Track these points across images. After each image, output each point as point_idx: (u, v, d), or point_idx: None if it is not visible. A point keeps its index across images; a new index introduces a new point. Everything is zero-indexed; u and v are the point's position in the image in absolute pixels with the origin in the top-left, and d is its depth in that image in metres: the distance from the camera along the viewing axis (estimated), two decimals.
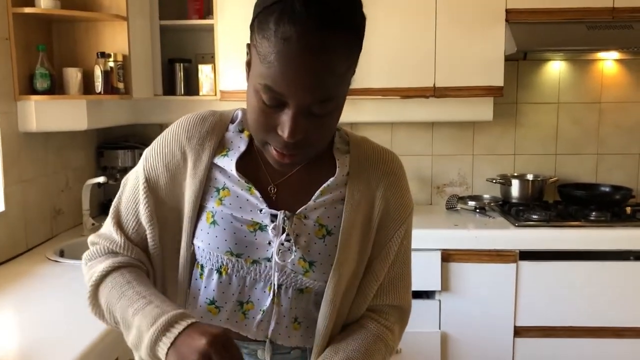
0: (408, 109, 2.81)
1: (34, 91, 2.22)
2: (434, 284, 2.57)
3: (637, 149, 3.08)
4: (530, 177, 3.07)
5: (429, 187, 3.17)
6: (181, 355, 0.83)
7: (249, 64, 0.92)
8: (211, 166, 1.02)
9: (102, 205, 2.87)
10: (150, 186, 1.03)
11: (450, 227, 2.66)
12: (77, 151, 2.69)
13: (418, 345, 2.60)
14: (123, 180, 1.10)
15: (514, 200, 2.96)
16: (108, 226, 1.06)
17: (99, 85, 2.33)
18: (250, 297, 1.01)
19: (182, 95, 2.85)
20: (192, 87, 2.88)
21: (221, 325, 1.00)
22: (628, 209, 2.78)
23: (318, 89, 0.85)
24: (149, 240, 1.03)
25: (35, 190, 2.33)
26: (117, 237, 1.03)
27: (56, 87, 2.27)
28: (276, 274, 0.98)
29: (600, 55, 2.97)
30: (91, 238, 1.08)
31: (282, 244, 0.98)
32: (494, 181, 3.02)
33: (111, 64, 2.38)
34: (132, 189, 1.05)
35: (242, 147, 1.02)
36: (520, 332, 2.62)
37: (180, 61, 2.87)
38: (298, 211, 1.00)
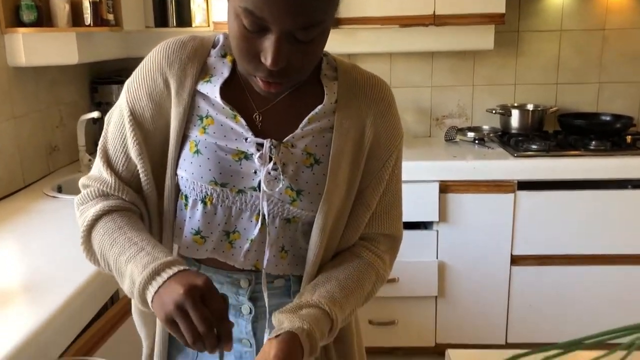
0: (407, 39, 2.74)
1: (21, 23, 2.15)
2: (432, 215, 2.59)
3: None
4: (530, 107, 3.03)
5: (427, 119, 3.14)
6: (161, 303, 0.83)
7: None
8: (194, 93, 0.99)
9: (97, 141, 2.83)
10: (136, 118, 1.00)
11: (449, 159, 2.65)
12: (69, 86, 2.64)
13: (415, 274, 2.64)
14: (106, 117, 1.06)
15: (513, 131, 2.93)
16: (97, 166, 1.03)
17: (87, 16, 2.26)
18: (236, 227, 1.00)
19: (174, 27, 2.78)
20: (184, 19, 2.80)
21: (207, 254, 1.01)
22: (628, 138, 2.75)
23: (301, 14, 0.81)
24: (141, 176, 1.01)
25: (29, 126, 2.31)
26: (107, 176, 1.01)
27: (44, 19, 2.21)
28: (264, 203, 0.97)
29: None
30: (82, 181, 1.05)
31: (269, 173, 0.97)
32: (494, 112, 2.98)
33: None
34: (117, 124, 1.03)
35: (226, 73, 0.99)
36: (516, 260, 2.66)
37: None
38: (285, 139, 0.98)
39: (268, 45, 0.84)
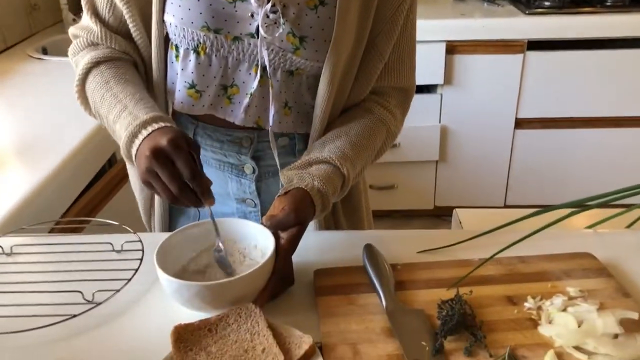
0: None
1: None
2: (437, 78, 2.49)
3: None
4: None
5: None
6: (138, 164, 0.81)
7: None
8: None
9: None
10: None
11: (457, 17, 2.50)
12: None
13: (417, 139, 2.60)
14: None
15: None
16: (85, 16, 0.98)
17: None
18: (234, 80, 0.92)
19: None
20: None
21: (204, 111, 0.94)
22: None
23: None
24: (128, 23, 0.93)
25: None
26: (94, 26, 0.95)
27: None
28: (264, 50, 0.88)
29: None
30: (71, 30, 1.00)
31: (268, 16, 0.86)
32: None
33: None
34: None
35: None
36: (520, 123, 2.61)
37: None
38: None
39: None
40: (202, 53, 0.90)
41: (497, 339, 0.71)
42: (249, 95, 0.92)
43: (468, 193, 2.80)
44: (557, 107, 2.58)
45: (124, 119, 0.85)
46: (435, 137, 2.63)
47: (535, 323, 0.74)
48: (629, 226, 0.99)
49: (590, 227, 0.98)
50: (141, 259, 0.89)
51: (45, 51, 2.16)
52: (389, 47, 0.95)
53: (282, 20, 0.86)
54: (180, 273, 0.81)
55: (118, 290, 0.82)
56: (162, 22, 0.91)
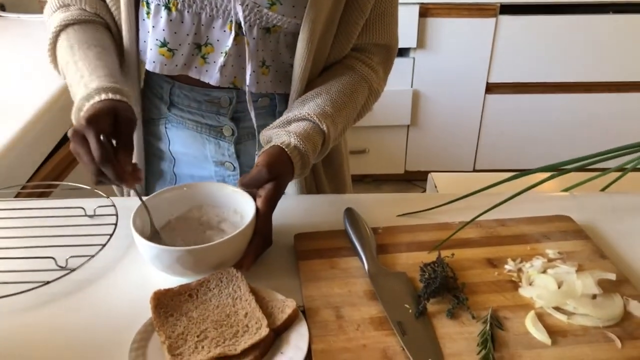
0: None
1: None
2: (410, 41, 2.48)
3: None
4: None
5: None
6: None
7: None
8: None
9: None
10: None
11: None
12: None
13: (389, 103, 2.59)
14: None
15: None
16: None
17: None
18: (208, 38, 0.88)
19: None
20: None
21: (177, 70, 0.90)
22: None
23: None
24: None
25: None
26: None
27: None
28: (237, 6, 0.84)
29: None
30: None
31: None
32: None
33: None
34: None
35: None
36: (491, 88, 2.62)
37: None
38: None
39: None
40: (173, 9, 0.86)
41: (479, 301, 0.71)
42: (224, 54, 0.88)
43: (439, 158, 2.82)
44: (529, 72, 2.59)
45: (78, 90, 0.82)
46: (407, 102, 2.63)
47: (515, 285, 0.74)
48: (603, 189, 1.00)
49: (566, 190, 0.99)
50: (116, 224, 0.86)
51: (3, 7, 2.05)
52: (370, 2, 0.92)
53: None
54: (157, 238, 0.78)
55: (93, 256, 0.80)
56: None
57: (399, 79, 2.58)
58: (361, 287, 0.74)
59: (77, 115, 0.80)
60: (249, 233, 0.75)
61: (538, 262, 0.77)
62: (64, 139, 1.41)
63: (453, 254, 0.78)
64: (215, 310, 0.69)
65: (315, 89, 0.91)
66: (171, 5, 0.86)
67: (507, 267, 0.77)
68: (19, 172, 1.20)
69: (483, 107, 2.66)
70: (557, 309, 0.70)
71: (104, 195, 0.92)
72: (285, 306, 0.68)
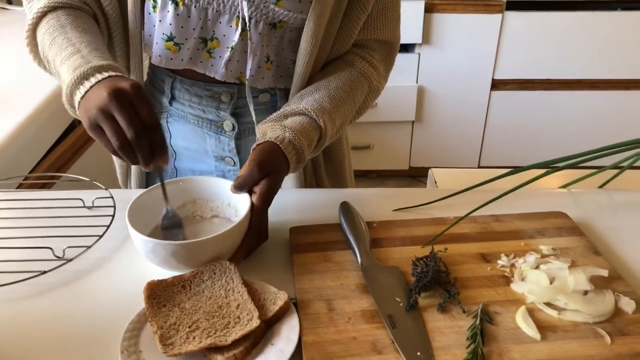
0: None
1: None
2: (415, 37, 2.47)
3: None
4: None
5: None
6: (86, 108, 0.73)
7: None
8: None
9: None
10: None
11: None
12: None
13: (394, 99, 2.59)
14: None
15: None
16: None
17: None
18: (214, 32, 0.89)
19: None
20: None
21: (183, 65, 0.91)
22: None
23: None
24: None
25: None
26: None
27: None
28: (244, 2, 0.85)
29: None
30: None
31: None
32: None
33: None
34: None
35: None
36: (497, 85, 2.62)
37: None
38: None
39: None
40: (180, 3, 0.86)
41: (471, 296, 0.72)
42: (230, 49, 0.89)
43: (443, 154, 2.81)
44: (535, 69, 2.58)
45: (73, 62, 0.78)
46: (412, 97, 2.62)
47: (508, 280, 0.75)
48: (601, 186, 1.00)
49: (564, 186, 0.99)
50: (113, 216, 0.87)
51: (9, 1, 2.06)
52: None
53: None
54: (153, 232, 0.79)
55: (89, 247, 0.81)
56: None
57: (404, 74, 2.57)
58: (354, 280, 0.74)
59: (76, 84, 0.75)
60: (243, 228, 0.76)
61: (531, 257, 0.77)
62: (67, 131, 1.42)
63: (446, 249, 0.79)
64: (208, 301, 0.69)
65: (314, 83, 0.92)
66: (178, 0, 0.86)
67: (500, 262, 0.77)
68: (21, 163, 1.21)
69: (488, 103, 2.66)
70: (548, 304, 0.70)
71: (102, 187, 0.93)
72: (277, 298, 0.69)
